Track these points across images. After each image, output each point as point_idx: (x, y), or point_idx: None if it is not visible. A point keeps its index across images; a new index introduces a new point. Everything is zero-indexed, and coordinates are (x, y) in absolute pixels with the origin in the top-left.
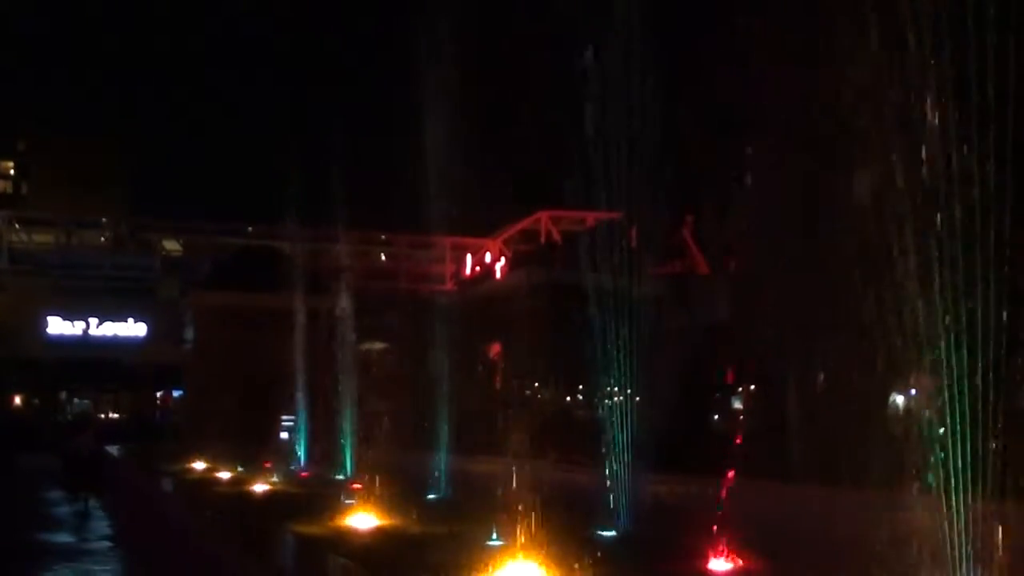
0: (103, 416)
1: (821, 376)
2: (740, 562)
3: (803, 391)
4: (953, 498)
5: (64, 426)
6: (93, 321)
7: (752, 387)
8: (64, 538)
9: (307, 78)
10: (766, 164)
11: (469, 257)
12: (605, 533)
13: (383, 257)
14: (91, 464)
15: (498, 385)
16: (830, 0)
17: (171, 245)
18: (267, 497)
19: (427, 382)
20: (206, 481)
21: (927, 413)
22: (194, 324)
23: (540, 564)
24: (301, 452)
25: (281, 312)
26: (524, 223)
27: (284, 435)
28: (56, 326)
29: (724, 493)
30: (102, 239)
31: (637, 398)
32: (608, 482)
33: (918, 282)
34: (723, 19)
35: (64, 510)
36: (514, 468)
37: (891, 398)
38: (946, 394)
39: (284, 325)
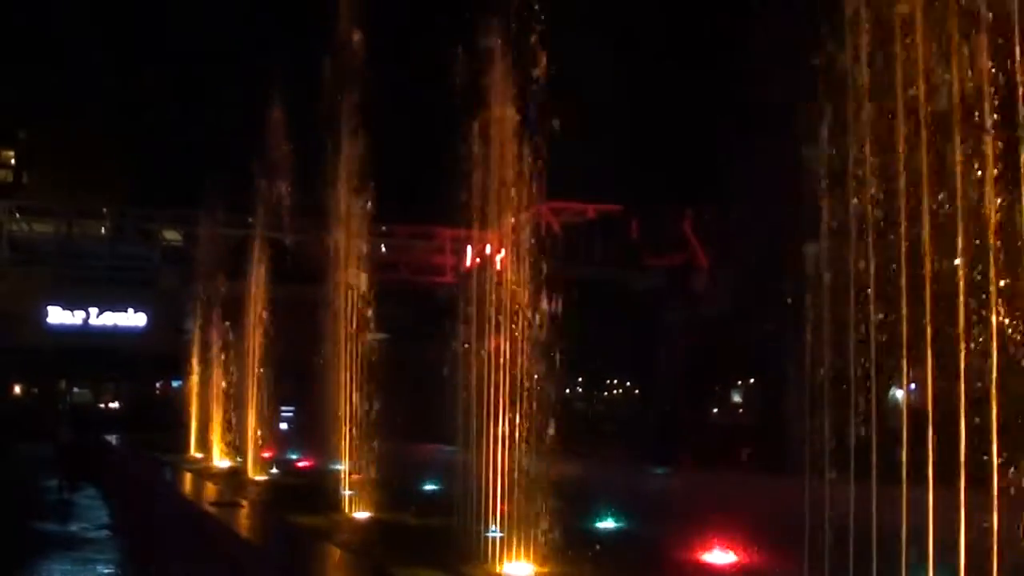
0: (103, 405)
1: (821, 370)
2: (739, 555)
3: (802, 384)
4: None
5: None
6: (93, 311)
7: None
8: (64, 527)
9: (308, 68)
10: (766, 157)
11: (469, 248)
12: (604, 524)
13: (383, 248)
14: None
15: (499, 377)
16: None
17: (172, 235)
18: (266, 487)
19: (427, 373)
20: (205, 471)
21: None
22: (194, 314)
23: (538, 555)
24: (301, 442)
25: (281, 302)
26: (525, 215)
27: (284, 425)
28: (56, 315)
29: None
30: (103, 229)
31: (637, 390)
32: (607, 473)
33: (917, 275)
34: (727, 14)
35: (60, 498)
36: (513, 459)
37: (891, 392)
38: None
39: (284, 315)
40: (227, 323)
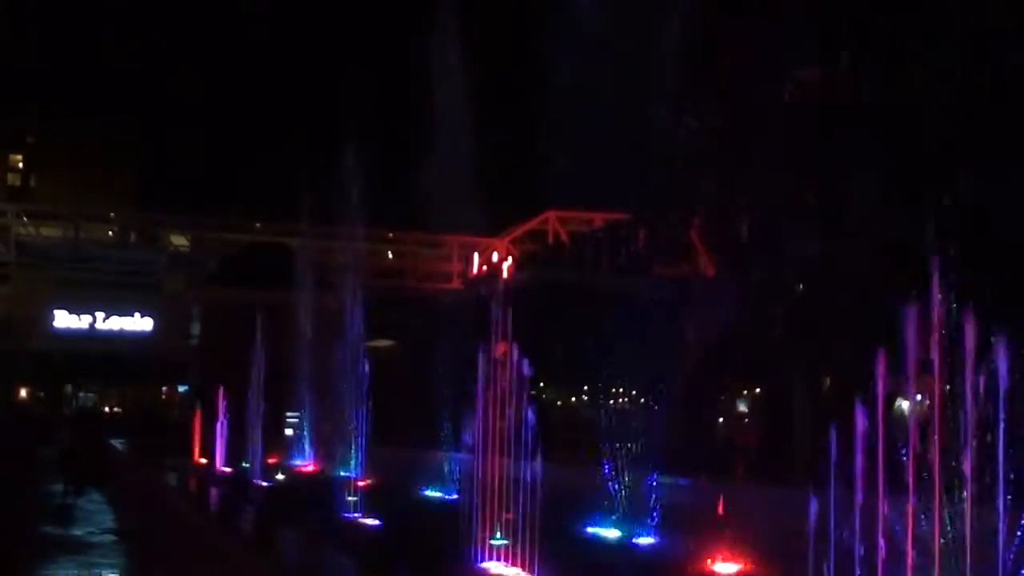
0: (107, 409)
1: (828, 380)
2: (744, 564)
3: (810, 395)
4: (955, 503)
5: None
6: (99, 315)
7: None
8: (70, 531)
9: (317, 75)
10: (774, 165)
11: (476, 256)
12: (610, 533)
13: (390, 255)
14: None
15: (504, 385)
16: (833, 3)
17: (178, 240)
18: (271, 492)
19: (433, 380)
20: (210, 476)
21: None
22: (200, 319)
23: (543, 562)
24: (306, 448)
25: (288, 308)
26: (532, 223)
27: (289, 431)
28: (63, 319)
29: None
30: (109, 233)
31: (643, 400)
32: (614, 483)
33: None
34: (729, 20)
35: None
36: (521, 467)
37: (896, 403)
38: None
39: (291, 321)
40: (233, 329)
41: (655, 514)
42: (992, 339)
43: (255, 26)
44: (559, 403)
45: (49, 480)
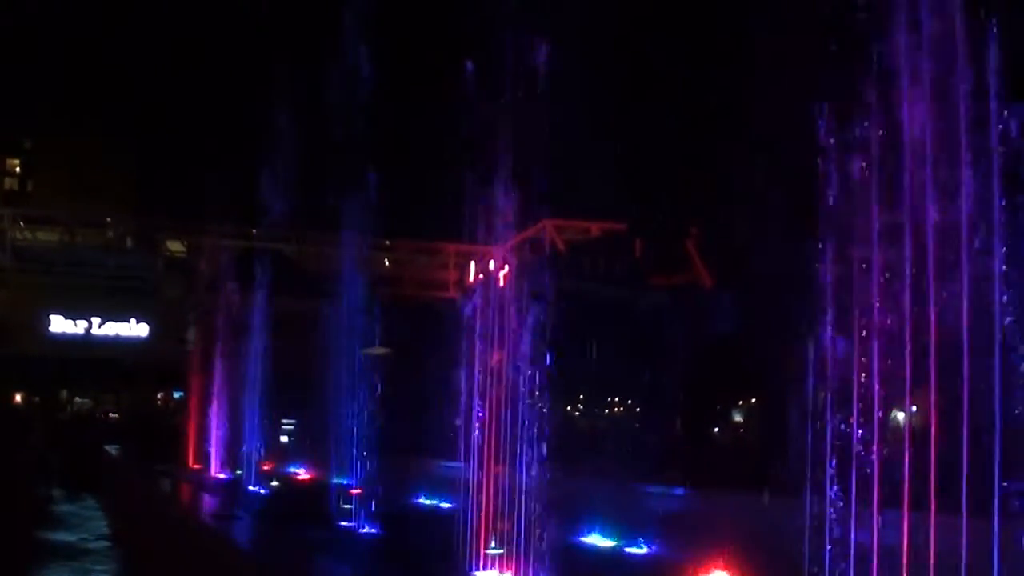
0: (99, 415)
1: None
2: (737, 574)
3: (805, 405)
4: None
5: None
6: (95, 320)
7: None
8: (64, 536)
9: (313, 82)
10: (770, 175)
11: (473, 264)
12: (604, 543)
13: (387, 262)
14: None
15: (499, 393)
16: (836, 6)
17: (174, 246)
18: (265, 499)
19: (429, 388)
20: (205, 482)
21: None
22: (196, 325)
23: (537, 571)
24: (302, 455)
25: (284, 315)
26: (528, 232)
27: (285, 438)
28: (58, 325)
29: None
30: (107, 238)
31: (639, 409)
32: (608, 492)
33: (919, 294)
34: (730, 26)
35: (65, 508)
36: (514, 476)
37: (892, 413)
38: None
39: (286, 328)
40: (229, 335)
41: (649, 524)
42: None
43: (253, 31)
44: (556, 412)
45: (45, 485)
